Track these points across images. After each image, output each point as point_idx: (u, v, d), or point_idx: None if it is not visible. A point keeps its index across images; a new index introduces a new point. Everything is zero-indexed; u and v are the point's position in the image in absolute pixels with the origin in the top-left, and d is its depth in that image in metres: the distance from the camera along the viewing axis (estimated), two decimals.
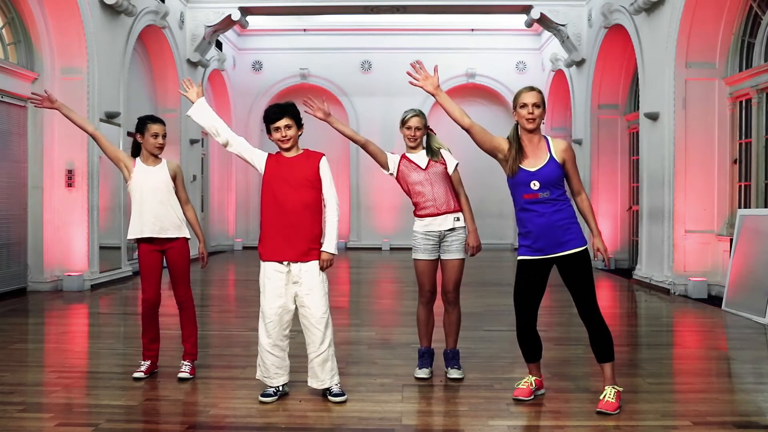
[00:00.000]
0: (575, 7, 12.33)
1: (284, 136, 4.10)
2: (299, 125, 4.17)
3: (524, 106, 3.97)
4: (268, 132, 4.17)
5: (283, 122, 4.10)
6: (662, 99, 9.18)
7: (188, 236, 4.70)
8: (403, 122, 4.64)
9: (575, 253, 3.94)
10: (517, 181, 3.98)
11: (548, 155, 3.96)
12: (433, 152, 4.62)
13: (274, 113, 4.11)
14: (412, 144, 4.63)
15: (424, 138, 4.68)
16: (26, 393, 4.26)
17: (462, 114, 3.95)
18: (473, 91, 16.68)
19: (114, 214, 10.10)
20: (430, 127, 4.73)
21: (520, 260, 4.08)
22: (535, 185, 3.93)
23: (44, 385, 4.51)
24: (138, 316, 5.13)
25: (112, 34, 9.76)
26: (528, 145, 3.99)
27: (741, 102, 8.66)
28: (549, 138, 4.06)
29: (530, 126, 3.96)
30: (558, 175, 3.95)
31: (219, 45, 14.63)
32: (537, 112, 3.95)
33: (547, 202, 3.93)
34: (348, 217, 16.51)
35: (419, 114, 4.61)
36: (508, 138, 4.05)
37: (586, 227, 4.14)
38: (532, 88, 4.03)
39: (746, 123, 8.57)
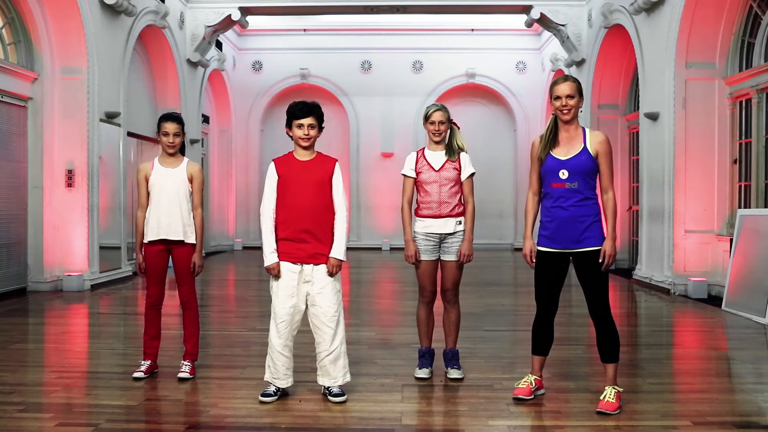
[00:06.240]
0: (575, 7, 12.32)
1: (306, 134, 4.10)
2: (320, 127, 4.18)
3: (558, 98, 3.96)
4: (288, 126, 4.15)
5: (308, 121, 4.10)
6: (662, 99, 9.18)
7: (194, 243, 4.69)
8: (426, 117, 4.57)
9: (591, 251, 3.92)
10: (547, 169, 3.98)
11: (582, 146, 3.94)
12: (452, 151, 4.57)
13: (301, 110, 4.10)
14: (437, 139, 4.57)
15: (447, 133, 4.62)
16: (26, 393, 4.26)
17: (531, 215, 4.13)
18: (473, 91, 16.69)
19: (114, 214, 10.09)
20: (454, 122, 4.67)
21: (537, 250, 4.10)
22: (563, 174, 3.91)
23: (44, 385, 4.50)
24: (139, 315, 5.14)
25: (112, 34, 9.76)
26: (563, 134, 3.99)
27: (741, 102, 8.65)
28: (587, 129, 4.03)
29: (566, 117, 3.95)
30: (589, 166, 3.91)
31: (219, 45, 14.63)
32: (571, 102, 3.94)
33: (572, 195, 3.90)
34: (348, 217, 16.49)
35: (441, 108, 4.55)
36: (541, 136, 4.07)
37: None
38: (566, 78, 4.00)
39: (746, 123, 8.56)
